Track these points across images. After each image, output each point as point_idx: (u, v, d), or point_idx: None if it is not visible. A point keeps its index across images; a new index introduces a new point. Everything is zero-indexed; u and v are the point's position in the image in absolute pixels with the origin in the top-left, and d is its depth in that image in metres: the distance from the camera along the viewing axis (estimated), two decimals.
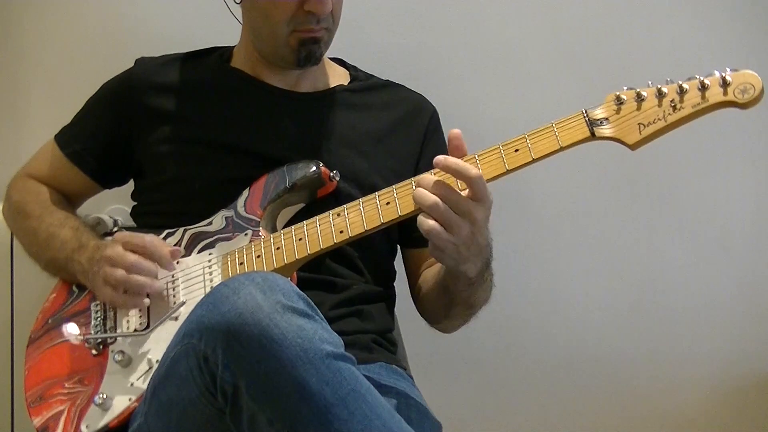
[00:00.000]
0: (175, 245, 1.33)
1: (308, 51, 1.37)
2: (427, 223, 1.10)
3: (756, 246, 1.90)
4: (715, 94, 1.06)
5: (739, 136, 1.85)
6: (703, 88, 1.07)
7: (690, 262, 1.89)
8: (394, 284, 1.47)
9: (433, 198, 1.10)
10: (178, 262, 1.31)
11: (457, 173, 1.10)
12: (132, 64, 1.48)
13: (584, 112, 1.13)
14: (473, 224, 1.11)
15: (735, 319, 1.92)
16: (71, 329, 1.33)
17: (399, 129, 1.46)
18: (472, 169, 1.09)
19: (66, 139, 1.48)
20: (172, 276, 1.30)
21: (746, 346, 1.92)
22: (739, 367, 1.94)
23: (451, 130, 1.16)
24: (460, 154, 1.14)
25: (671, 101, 1.08)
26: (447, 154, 1.50)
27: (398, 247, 1.49)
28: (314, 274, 1.30)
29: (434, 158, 1.11)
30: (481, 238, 1.14)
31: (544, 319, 1.91)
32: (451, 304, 1.33)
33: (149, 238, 1.27)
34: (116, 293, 1.25)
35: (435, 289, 1.36)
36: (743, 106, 1.06)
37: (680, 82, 1.09)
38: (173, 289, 1.29)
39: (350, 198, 1.25)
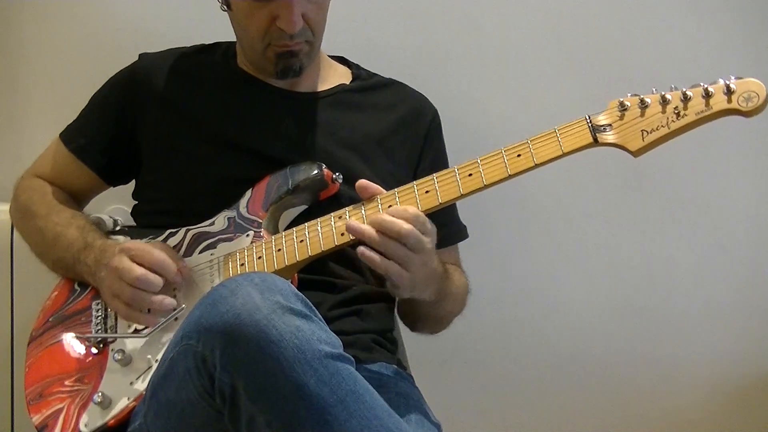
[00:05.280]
0: (176, 245, 1.33)
1: (286, 64, 1.37)
2: (387, 264, 1.15)
3: (756, 246, 1.90)
4: (719, 102, 1.07)
5: (739, 136, 1.84)
6: (707, 95, 1.07)
7: (690, 263, 1.89)
8: None
9: (387, 240, 1.15)
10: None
11: (393, 227, 1.15)
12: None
13: (587, 117, 1.14)
14: (423, 253, 1.16)
15: (735, 320, 1.92)
16: (72, 328, 1.33)
17: (399, 131, 1.46)
18: (409, 212, 1.15)
19: (71, 134, 1.48)
20: None
21: (746, 347, 1.93)
22: (740, 367, 1.94)
23: (358, 182, 1.22)
24: (375, 195, 1.21)
25: (675, 108, 1.09)
26: (446, 159, 1.52)
27: None
28: (314, 275, 1.30)
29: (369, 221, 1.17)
30: (431, 262, 1.20)
31: (545, 320, 1.91)
32: (416, 319, 1.41)
33: (158, 256, 1.24)
34: (127, 308, 1.24)
35: (402, 304, 1.41)
36: (747, 114, 1.06)
37: (684, 90, 1.09)
38: (174, 290, 1.28)
39: (351, 200, 1.25)
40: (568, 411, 1.95)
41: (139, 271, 1.22)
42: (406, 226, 1.14)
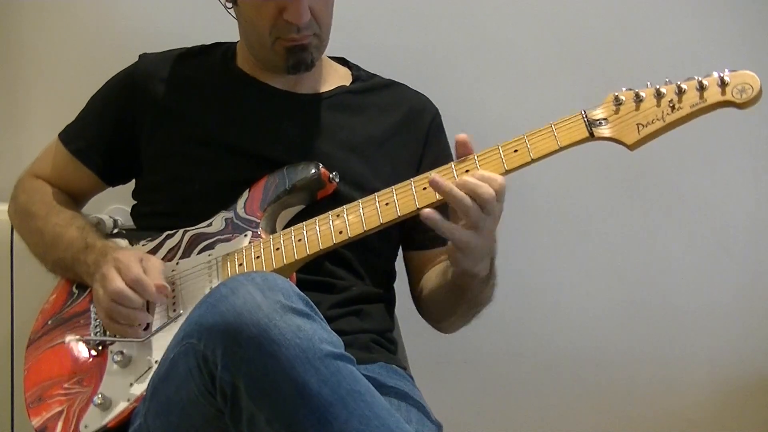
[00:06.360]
0: (174, 247, 1.33)
1: (297, 59, 1.36)
2: (460, 231, 1.13)
3: (756, 246, 1.90)
4: (713, 95, 1.08)
5: (740, 136, 1.85)
6: (702, 88, 1.08)
7: (690, 262, 1.90)
8: (394, 285, 1.47)
9: (469, 201, 1.12)
10: (174, 268, 1.31)
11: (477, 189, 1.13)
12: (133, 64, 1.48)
13: (583, 112, 1.14)
14: (495, 221, 1.15)
15: (735, 319, 1.92)
16: (71, 330, 1.33)
17: (400, 132, 1.46)
18: (498, 179, 1.13)
19: (70, 136, 1.48)
20: (172, 278, 1.29)
21: (746, 347, 1.92)
22: (739, 367, 1.94)
23: (458, 135, 1.18)
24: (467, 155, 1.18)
25: (670, 101, 1.09)
26: (450, 156, 1.52)
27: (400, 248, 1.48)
28: (313, 276, 1.30)
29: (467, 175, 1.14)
30: (494, 230, 1.18)
31: (544, 320, 1.91)
32: (459, 302, 1.34)
33: (135, 273, 1.22)
34: (106, 318, 1.24)
35: (443, 288, 1.35)
36: (741, 106, 1.07)
37: (679, 83, 1.10)
38: (173, 291, 1.28)
39: (350, 201, 1.25)
40: (568, 411, 1.94)
41: (120, 285, 1.21)
42: (489, 190, 1.12)
